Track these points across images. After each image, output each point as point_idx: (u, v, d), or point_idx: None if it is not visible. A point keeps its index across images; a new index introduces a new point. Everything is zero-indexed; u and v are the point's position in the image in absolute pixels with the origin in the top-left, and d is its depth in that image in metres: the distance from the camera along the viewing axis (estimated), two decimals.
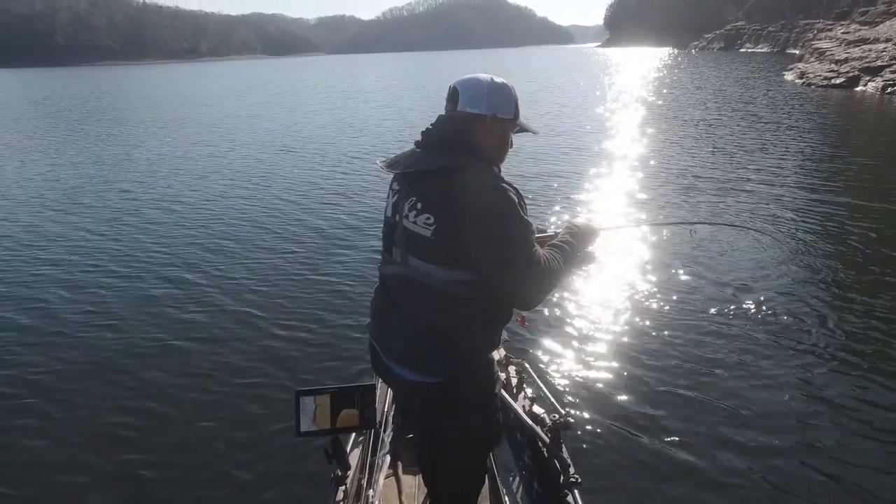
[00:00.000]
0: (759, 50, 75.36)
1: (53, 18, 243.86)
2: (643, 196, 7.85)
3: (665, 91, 23.56)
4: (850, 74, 22.36)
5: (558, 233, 1.66)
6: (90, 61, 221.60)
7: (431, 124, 1.55)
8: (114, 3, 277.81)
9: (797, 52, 56.61)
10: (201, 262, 5.97)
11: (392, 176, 1.59)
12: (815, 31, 52.74)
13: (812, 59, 28.18)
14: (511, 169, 9.43)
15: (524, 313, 1.75)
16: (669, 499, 2.73)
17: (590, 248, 1.67)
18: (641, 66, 46.13)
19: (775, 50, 71.12)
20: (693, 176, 8.92)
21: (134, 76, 71.01)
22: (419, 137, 1.55)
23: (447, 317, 1.45)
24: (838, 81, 22.19)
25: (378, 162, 1.58)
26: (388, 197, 1.59)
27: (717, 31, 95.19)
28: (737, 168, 9.32)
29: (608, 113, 17.16)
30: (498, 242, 1.36)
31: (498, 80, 1.52)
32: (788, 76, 27.43)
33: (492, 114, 1.49)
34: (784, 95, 20.21)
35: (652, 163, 9.91)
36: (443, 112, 1.56)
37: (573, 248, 1.57)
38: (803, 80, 24.47)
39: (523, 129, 1.60)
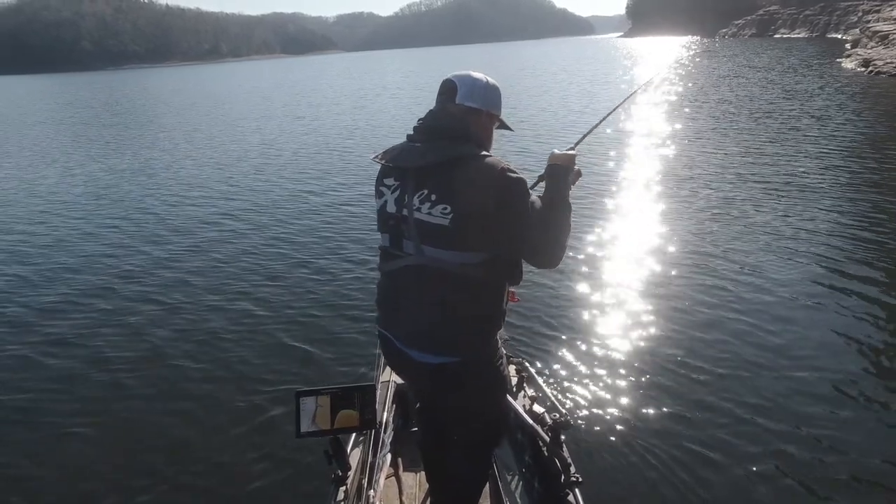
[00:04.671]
0: (795, 35, 72.27)
1: (80, 24, 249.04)
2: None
3: (715, 85, 21.81)
4: None
5: (542, 176, 1.67)
6: (116, 65, 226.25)
7: (420, 119, 1.58)
8: (138, 7, 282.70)
9: (841, 36, 54.06)
10: (206, 262, 6.02)
11: (378, 173, 1.62)
12: (861, 13, 49.93)
13: (873, 44, 26.07)
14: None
15: (513, 289, 1.72)
16: (670, 498, 2.67)
17: (575, 169, 1.67)
18: (674, 57, 44.12)
19: (814, 35, 68.05)
20: (780, 184, 7.64)
21: (161, 79, 71.32)
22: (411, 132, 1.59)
23: (460, 298, 1.50)
24: None
25: (372, 157, 1.60)
26: (382, 193, 1.59)
27: (749, 17, 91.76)
28: (824, 174, 8.03)
29: (656, 114, 15.74)
30: (519, 221, 1.45)
31: (491, 80, 1.63)
32: (848, 64, 25.40)
33: (487, 109, 1.60)
34: (852, 87, 18.42)
35: (723, 173, 8.63)
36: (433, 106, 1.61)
37: (560, 189, 1.58)
38: (868, 68, 22.44)
39: (503, 126, 1.72)
